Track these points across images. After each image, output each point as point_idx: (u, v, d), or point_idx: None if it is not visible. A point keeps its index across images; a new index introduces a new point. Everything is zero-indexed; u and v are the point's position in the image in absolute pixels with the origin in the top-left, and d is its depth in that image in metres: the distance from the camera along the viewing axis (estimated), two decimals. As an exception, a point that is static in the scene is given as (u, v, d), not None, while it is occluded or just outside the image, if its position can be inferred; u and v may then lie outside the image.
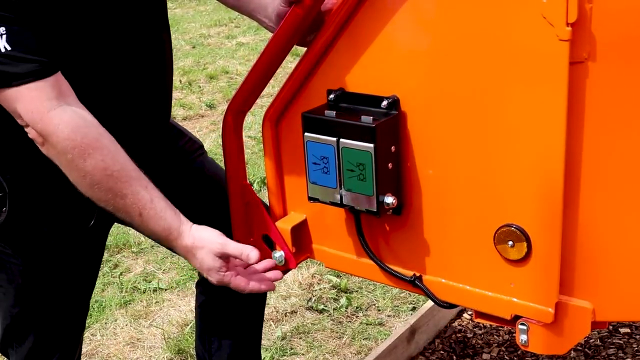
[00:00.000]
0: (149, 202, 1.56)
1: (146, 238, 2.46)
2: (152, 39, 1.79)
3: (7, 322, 1.85)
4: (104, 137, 1.53)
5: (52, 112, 1.48)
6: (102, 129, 1.54)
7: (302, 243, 1.83)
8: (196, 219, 2.04)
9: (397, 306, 3.24)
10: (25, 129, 1.51)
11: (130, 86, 1.71)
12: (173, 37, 8.23)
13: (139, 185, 1.55)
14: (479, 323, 2.96)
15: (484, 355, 2.80)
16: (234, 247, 1.63)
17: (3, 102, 1.50)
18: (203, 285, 2.22)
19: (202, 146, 2.12)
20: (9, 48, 1.43)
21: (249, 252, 1.62)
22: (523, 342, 1.55)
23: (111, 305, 3.37)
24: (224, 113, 1.75)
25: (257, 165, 4.64)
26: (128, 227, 2.11)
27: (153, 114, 1.87)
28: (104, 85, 1.67)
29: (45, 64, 1.48)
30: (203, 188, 1.99)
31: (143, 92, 1.76)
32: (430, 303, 2.88)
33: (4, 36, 1.42)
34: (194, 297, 2.29)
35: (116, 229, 3.85)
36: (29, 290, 1.81)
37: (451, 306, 1.68)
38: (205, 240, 1.62)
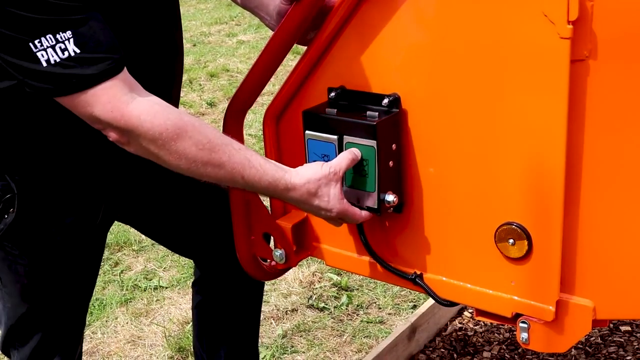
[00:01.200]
0: (247, 163, 1.53)
1: (146, 237, 2.46)
2: (164, 37, 1.78)
3: (11, 323, 1.85)
4: (184, 114, 1.51)
5: (131, 106, 1.44)
6: (178, 109, 1.52)
7: (303, 241, 1.83)
8: (194, 218, 2.04)
9: (398, 304, 3.24)
10: (104, 132, 1.47)
11: (143, 75, 1.71)
12: (174, 35, 8.23)
13: (232, 149, 1.53)
14: (479, 321, 2.96)
15: (485, 354, 2.80)
16: (339, 162, 1.58)
17: (76, 107, 1.45)
18: (199, 284, 2.21)
19: None
20: (78, 51, 1.39)
21: (353, 152, 1.58)
22: (524, 340, 1.55)
23: (112, 304, 3.37)
24: (224, 111, 1.75)
25: (257, 164, 4.63)
26: (128, 226, 2.11)
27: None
28: None
29: (116, 60, 1.44)
30: (199, 186, 1.99)
31: (155, 82, 1.76)
32: (431, 301, 2.88)
33: (72, 40, 1.39)
34: (191, 296, 2.29)
35: (117, 227, 3.85)
36: (34, 290, 1.81)
37: (452, 304, 1.68)
38: (318, 173, 1.57)
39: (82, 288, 1.90)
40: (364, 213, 1.62)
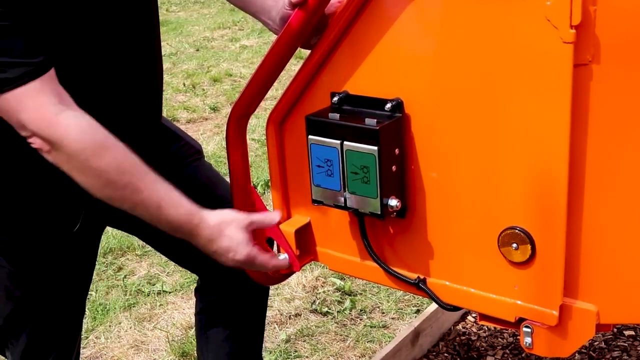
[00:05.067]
0: (165, 193, 1.57)
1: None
2: (141, 40, 1.78)
3: (0, 324, 1.86)
4: (110, 136, 1.53)
5: (59, 117, 1.47)
6: (106, 130, 1.54)
7: (306, 246, 1.83)
8: None
9: (401, 309, 3.24)
10: (29, 140, 1.50)
11: (119, 87, 1.72)
12: (177, 40, 8.24)
13: (152, 178, 1.56)
14: (483, 326, 2.96)
15: (488, 358, 2.80)
16: (257, 216, 1.66)
17: (6, 113, 1.48)
18: (202, 291, 2.21)
19: (199, 151, 2.10)
20: None
21: (272, 216, 1.67)
22: (527, 344, 1.54)
23: (115, 308, 3.37)
24: (227, 116, 1.75)
25: (260, 168, 4.64)
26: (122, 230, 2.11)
27: (142, 116, 1.86)
28: (93, 86, 1.67)
29: (36, 64, 1.46)
30: (194, 194, 1.99)
31: (132, 93, 1.77)
32: (434, 306, 2.88)
33: None
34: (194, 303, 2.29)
35: (120, 232, 3.85)
36: (15, 292, 1.82)
37: (455, 309, 1.68)
38: (231, 216, 1.64)
39: (69, 290, 1.90)
40: (278, 260, 1.70)
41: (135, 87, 1.77)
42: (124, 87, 1.72)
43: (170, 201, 1.57)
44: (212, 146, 5.17)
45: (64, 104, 1.49)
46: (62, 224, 1.78)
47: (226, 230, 1.62)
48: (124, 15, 1.70)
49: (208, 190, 1.99)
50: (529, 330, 1.53)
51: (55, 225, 1.78)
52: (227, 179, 1.87)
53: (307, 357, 2.98)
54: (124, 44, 1.71)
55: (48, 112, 1.47)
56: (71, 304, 1.93)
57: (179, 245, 2.08)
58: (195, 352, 2.91)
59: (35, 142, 1.50)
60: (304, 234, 1.82)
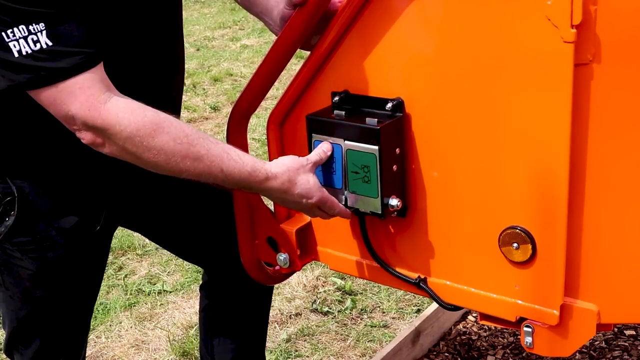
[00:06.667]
0: (225, 155, 1.54)
1: (150, 241, 2.46)
2: (164, 49, 1.79)
3: (14, 325, 1.85)
4: (159, 112, 1.51)
5: (108, 104, 1.44)
6: (151, 107, 1.51)
7: (306, 245, 1.83)
8: (200, 224, 2.04)
9: (402, 308, 3.24)
10: (79, 135, 1.47)
11: (140, 84, 1.71)
12: (177, 39, 8.22)
13: (210, 142, 1.53)
14: (483, 325, 2.96)
15: (489, 358, 2.80)
16: (314, 156, 1.62)
17: (53, 105, 1.45)
18: (207, 288, 2.21)
19: None
20: (50, 43, 1.39)
21: (322, 148, 1.62)
22: (528, 344, 1.54)
23: (116, 308, 3.37)
24: (228, 115, 1.75)
25: (261, 168, 4.64)
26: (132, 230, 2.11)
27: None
28: (118, 79, 1.67)
29: (89, 54, 1.44)
30: (204, 192, 1.98)
31: (154, 93, 1.76)
32: (434, 305, 2.88)
33: (44, 32, 1.38)
34: (199, 300, 2.29)
35: (120, 231, 3.85)
36: (35, 293, 1.81)
37: (456, 308, 1.68)
38: (295, 163, 1.60)
39: (84, 292, 1.90)
40: (345, 209, 1.64)
41: (156, 84, 1.77)
42: (147, 83, 1.72)
43: (232, 162, 1.54)
44: (213, 146, 5.16)
45: (110, 91, 1.47)
46: (86, 223, 1.79)
47: (297, 178, 1.59)
48: (148, 20, 1.70)
49: (212, 188, 2.00)
50: (529, 329, 1.53)
51: (79, 225, 1.78)
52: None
53: (307, 356, 2.98)
54: (149, 40, 1.71)
55: (98, 101, 1.44)
56: (84, 304, 1.93)
57: (189, 243, 2.09)
58: (195, 351, 2.92)
59: (86, 137, 1.47)
60: (305, 234, 1.82)
